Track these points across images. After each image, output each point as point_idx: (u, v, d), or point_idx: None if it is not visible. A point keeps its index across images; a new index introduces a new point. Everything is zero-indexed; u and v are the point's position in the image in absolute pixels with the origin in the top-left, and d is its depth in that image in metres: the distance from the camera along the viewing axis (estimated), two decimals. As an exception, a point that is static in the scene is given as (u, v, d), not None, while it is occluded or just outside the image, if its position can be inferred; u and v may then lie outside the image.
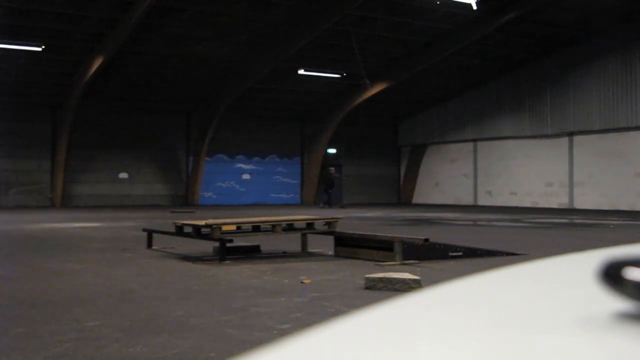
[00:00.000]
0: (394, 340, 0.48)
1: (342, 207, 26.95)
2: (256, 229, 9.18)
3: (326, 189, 28.28)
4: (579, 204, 27.14)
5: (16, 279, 6.91)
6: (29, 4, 19.62)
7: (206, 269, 7.67)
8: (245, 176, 31.97)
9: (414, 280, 6.15)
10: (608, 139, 26.31)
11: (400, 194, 35.65)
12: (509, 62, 28.67)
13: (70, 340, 4.13)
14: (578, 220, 18.51)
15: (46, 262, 8.26)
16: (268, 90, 28.63)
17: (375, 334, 0.51)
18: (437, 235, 11.73)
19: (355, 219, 17.84)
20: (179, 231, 9.44)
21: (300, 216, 10.76)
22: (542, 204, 28.55)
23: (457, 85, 31.02)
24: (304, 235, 9.60)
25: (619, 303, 0.54)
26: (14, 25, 20.62)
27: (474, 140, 31.93)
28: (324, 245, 9.74)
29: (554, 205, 27.99)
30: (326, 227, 9.56)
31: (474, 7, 21.34)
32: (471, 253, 9.55)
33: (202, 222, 8.85)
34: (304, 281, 6.60)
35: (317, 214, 14.21)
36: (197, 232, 8.85)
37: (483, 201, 31.31)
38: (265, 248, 9.57)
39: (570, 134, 27.64)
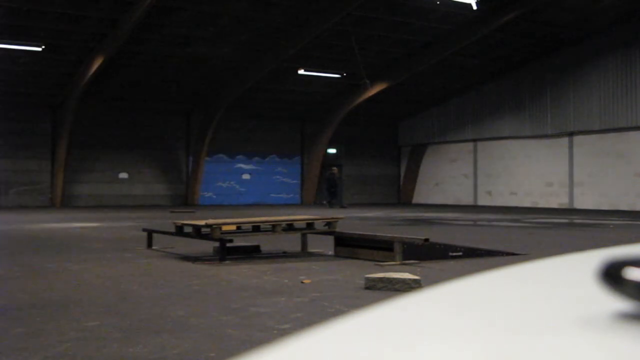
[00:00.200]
0: (394, 340, 0.48)
1: (343, 207, 26.94)
2: (256, 229, 9.18)
3: (328, 189, 28.29)
4: (579, 204, 27.15)
5: (16, 279, 6.91)
6: (29, 4, 19.62)
7: (206, 269, 7.67)
8: (245, 176, 31.97)
9: (414, 280, 6.15)
10: (608, 139, 26.30)
11: (400, 194, 35.65)
12: (509, 62, 28.67)
13: (70, 340, 4.13)
14: (578, 220, 18.51)
15: (46, 262, 8.26)
16: (268, 90, 28.63)
17: (375, 334, 0.51)
18: (437, 235, 11.74)
19: (356, 219, 17.84)
20: (179, 231, 9.44)
21: (300, 216, 10.76)
22: (542, 204, 28.55)
23: (457, 85, 31.02)
24: (304, 235, 9.60)
25: (619, 303, 0.54)
26: (14, 25, 20.63)
27: (474, 140, 31.93)
28: (324, 245, 9.74)
29: (554, 205, 27.99)
30: (326, 227, 9.57)
31: (474, 7, 21.36)
32: (471, 253, 9.55)
33: (202, 222, 8.84)
34: (304, 281, 6.60)
35: (317, 214, 14.21)
36: (197, 232, 8.85)
37: (483, 201, 31.31)
38: (265, 248, 9.57)
39: (570, 134, 27.64)
